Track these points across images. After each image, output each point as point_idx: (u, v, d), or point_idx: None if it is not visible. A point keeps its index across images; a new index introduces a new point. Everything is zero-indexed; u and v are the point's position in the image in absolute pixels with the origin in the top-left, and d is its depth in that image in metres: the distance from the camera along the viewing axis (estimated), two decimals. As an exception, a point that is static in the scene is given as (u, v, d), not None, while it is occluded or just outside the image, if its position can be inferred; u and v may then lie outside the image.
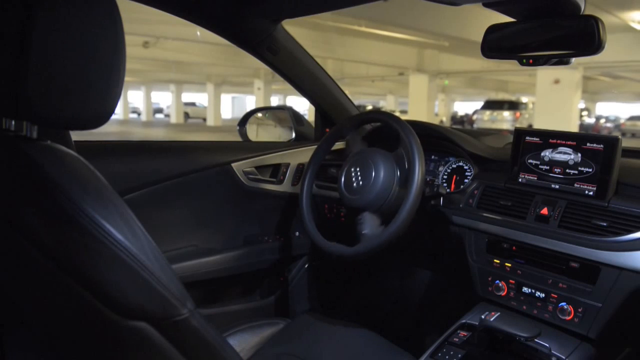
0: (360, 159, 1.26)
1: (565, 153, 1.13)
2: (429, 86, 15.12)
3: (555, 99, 11.67)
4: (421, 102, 15.24)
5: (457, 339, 1.13)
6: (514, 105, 16.91)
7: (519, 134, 1.21)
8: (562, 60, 0.99)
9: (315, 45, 10.86)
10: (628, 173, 1.09)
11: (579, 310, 1.06)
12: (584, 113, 19.29)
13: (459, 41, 10.06)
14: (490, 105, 17.42)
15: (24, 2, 0.49)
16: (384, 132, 1.53)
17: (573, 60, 0.99)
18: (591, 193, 1.08)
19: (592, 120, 21.61)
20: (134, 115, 28.88)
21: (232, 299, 1.59)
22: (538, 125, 12.39)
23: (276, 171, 1.59)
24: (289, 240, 1.64)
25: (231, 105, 36.49)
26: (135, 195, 1.31)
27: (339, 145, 1.49)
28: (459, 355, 1.07)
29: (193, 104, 27.47)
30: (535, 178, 1.18)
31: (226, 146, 1.56)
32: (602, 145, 1.08)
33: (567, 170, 1.13)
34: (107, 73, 0.55)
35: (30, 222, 0.50)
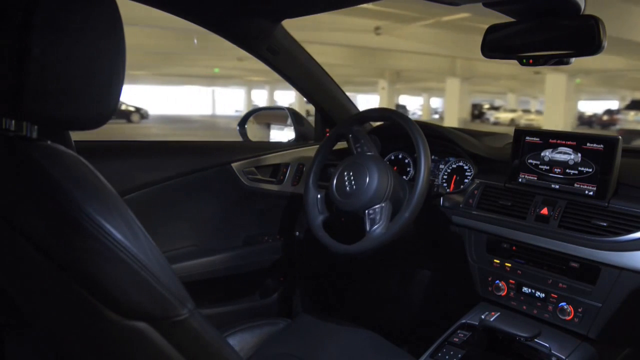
0: (354, 163, 1.26)
1: (565, 153, 1.13)
2: (567, 85, 13.79)
3: None
4: (558, 102, 13.88)
5: (457, 339, 1.13)
6: (665, 105, 15.65)
7: (519, 134, 1.21)
8: (562, 60, 0.99)
9: (453, 45, 10.70)
10: (628, 173, 1.09)
11: (579, 310, 1.06)
12: None
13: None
14: (637, 105, 16.28)
15: (24, 2, 0.49)
16: (387, 131, 1.52)
17: (573, 60, 0.99)
18: (591, 193, 1.08)
19: None
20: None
21: (232, 299, 1.59)
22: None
23: (276, 171, 1.59)
24: (289, 240, 1.64)
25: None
26: (135, 195, 1.31)
27: (339, 145, 1.48)
28: (459, 355, 1.07)
29: (312, 103, 28.60)
30: (535, 178, 1.17)
31: (226, 146, 1.56)
32: (602, 146, 1.08)
33: (567, 170, 1.12)
34: (107, 73, 0.55)
35: (30, 222, 0.50)
